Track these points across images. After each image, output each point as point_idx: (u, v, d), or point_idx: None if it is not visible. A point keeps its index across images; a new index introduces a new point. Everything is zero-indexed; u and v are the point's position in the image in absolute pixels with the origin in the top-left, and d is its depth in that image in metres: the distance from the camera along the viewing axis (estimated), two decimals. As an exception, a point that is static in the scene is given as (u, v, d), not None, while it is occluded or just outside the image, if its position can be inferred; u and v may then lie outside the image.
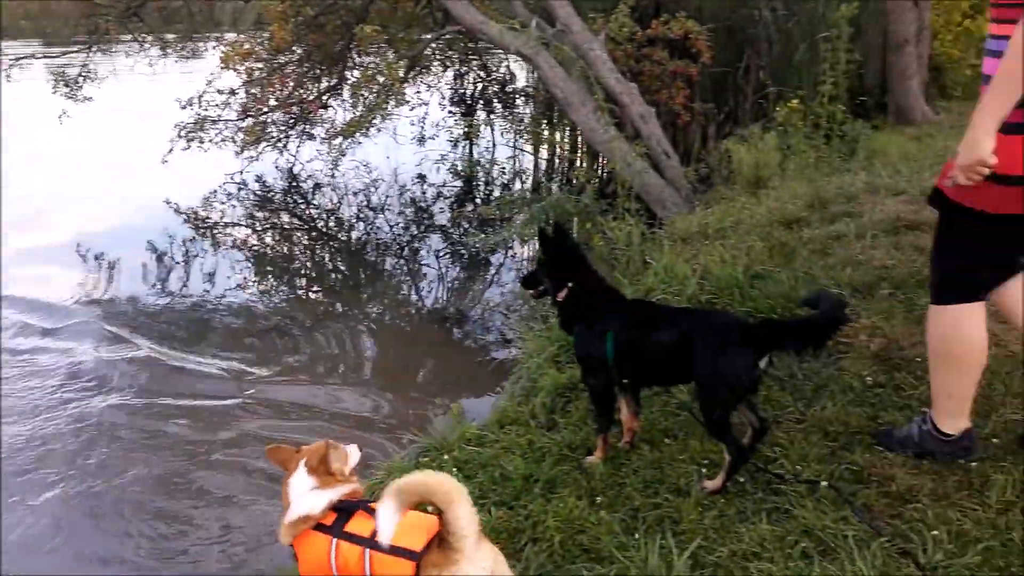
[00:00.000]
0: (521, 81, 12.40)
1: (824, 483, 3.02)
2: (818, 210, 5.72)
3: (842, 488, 3.01)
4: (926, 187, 5.71)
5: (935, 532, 2.71)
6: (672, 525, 3.00)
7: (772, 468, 3.21)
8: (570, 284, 3.42)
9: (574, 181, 6.96)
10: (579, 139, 11.18)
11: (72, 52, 9.96)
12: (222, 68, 9.73)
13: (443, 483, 2.32)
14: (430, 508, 2.46)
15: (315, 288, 7.60)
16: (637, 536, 2.96)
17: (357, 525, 2.56)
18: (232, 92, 10.15)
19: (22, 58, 9.84)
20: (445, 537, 2.34)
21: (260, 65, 9.78)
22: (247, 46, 9.73)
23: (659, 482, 3.27)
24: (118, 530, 4.26)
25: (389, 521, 2.33)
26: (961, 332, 2.94)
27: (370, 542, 2.48)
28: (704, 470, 3.27)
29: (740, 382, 3.02)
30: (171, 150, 9.79)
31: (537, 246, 3.59)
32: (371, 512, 2.51)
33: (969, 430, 3.06)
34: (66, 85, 9.62)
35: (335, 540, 2.55)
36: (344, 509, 2.62)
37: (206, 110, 10.10)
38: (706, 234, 5.71)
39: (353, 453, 2.84)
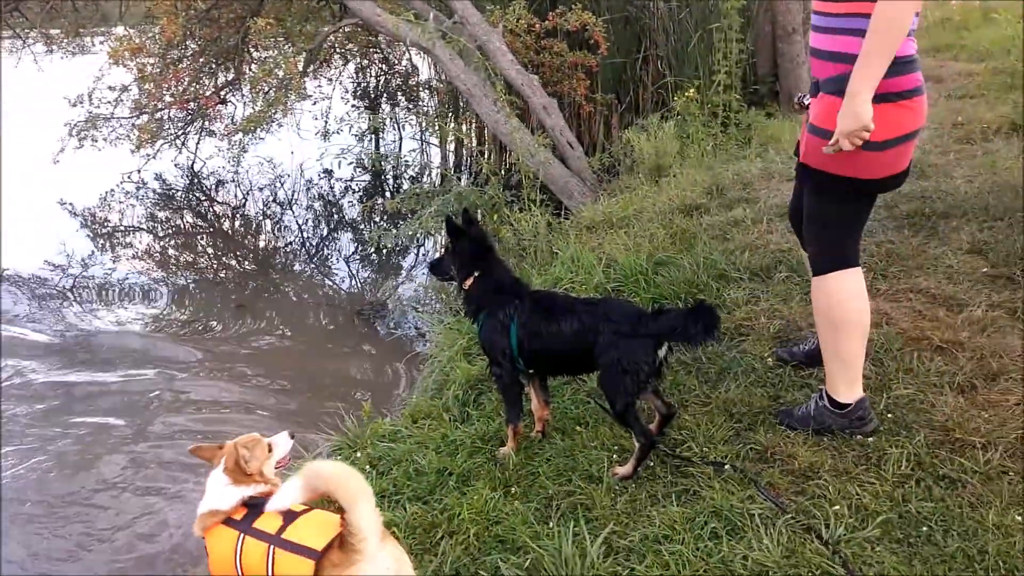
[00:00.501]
0: (424, 74, 12.33)
1: (728, 466, 3.13)
2: (716, 197, 5.89)
3: (747, 468, 3.12)
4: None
5: (836, 507, 2.84)
6: (585, 512, 3.05)
7: (680, 451, 3.30)
8: (476, 273, 3.45)
9: (476, 173, 6.99)
10: (486, 131, 11.22)
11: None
12: (111, 64, 9.32)
13: (351, 480, 2.33)
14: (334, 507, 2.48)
15: (223, 286, 7.39)
16: (551, 524, 3.00)
17: (265, 522, 2.55)
18: (124, 88, 9.75)
19: None
20: (347, 536, 2.34)
21: (152, 60, 9.40)
22: (137, 41, 9.34)
23: (572, 470, 3.32)
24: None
25: (288, 494, 2.38)
26: (846, 298, 3.10)
27: (275, 539, 2.49)
28: (615, 456, 3.34)
29: (641, 370, 3.09)
30: (63, 149, 9.34)
31: (445, 234, 3.60)
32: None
33: (863, 399, 3.22)
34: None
35: (242, 535, 2.55)
36: (256, 506, 2.61)
37: (98, 107, 9.68)
38: (611, 223, 5.81)
39: (281, 443, 2.88)
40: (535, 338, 3.30)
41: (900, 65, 2.72)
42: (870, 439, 3.18)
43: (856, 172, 2.88)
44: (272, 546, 2.48)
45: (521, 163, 6.28)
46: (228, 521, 2.62)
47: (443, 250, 3.74)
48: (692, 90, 7.61)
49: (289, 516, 2.54)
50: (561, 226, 6.21)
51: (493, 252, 3.56)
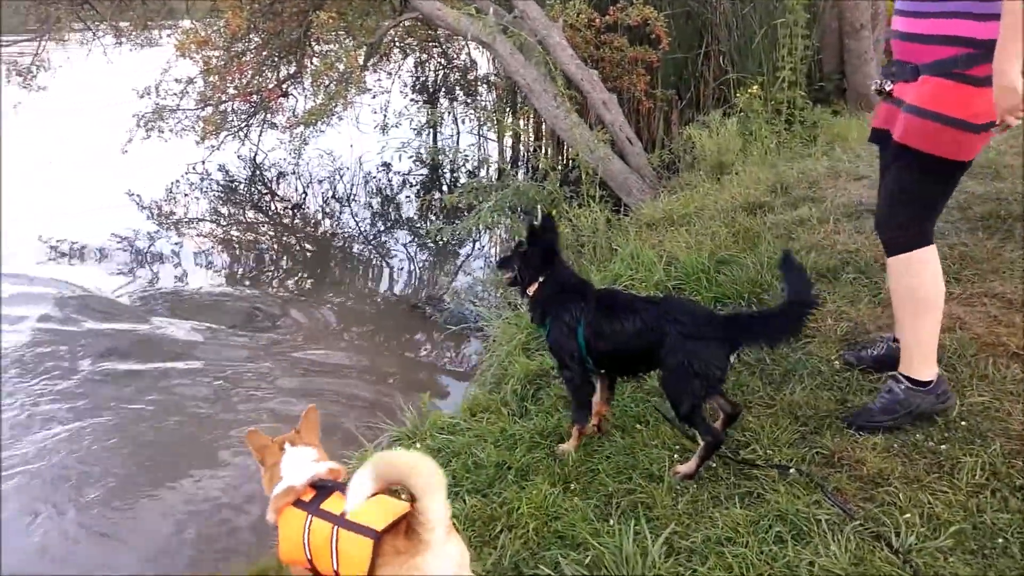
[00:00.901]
0: (483, 69, 12.35)
1: (793, 469, 3.07)
2: (781, 195, 5.77)
3: (812, 472, 3.06)
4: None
5: (907, 516, 2.76)
6: (646, 511, 3.02)
7: (743, 453, 3.25)
8: (541, 279, 3.44)
9: (535, 168, 6.97)
10: (543, 126, 11.19)
11: (23, 41, 9.69)
12: (178, 56, 9.54)
13: (427, 467, 2.30)
14: (403, 496, 2.49)
15: (282, 277, 7.50)
16: (611, 522, 2.98)
17: (332, 503, 2.59)
18: (190, 80, 9.97)
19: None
20: (414, 525, 2.33)
21: (217, 53, 9.60)
22: (203, 34, 9.54)
23: (632, 468, 3.29)
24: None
25: (361, 488, 2.31)
26: (924, 276, 3.12)
27: (339, 520, 2.51)
28: (676, 456, 3.30)
29: (712, 374, 3.05)
30: (130, 140, 9.60)
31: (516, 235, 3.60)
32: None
33: (940, 376, 3.23)
34: (19, 75, 9.36)
35: (310, 516, 2.59)
36: (324, 487, 2.67)
37: (164, 99, 9.92)
38: (671, 220, 5.74)
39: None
40: (600, 338, 3.28)
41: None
42: (943, 447, 3.09)
43: (952, 153, 2.94)
44: (336, 527, 2.51)
45: (580, 159, 6.24)
46: (298, 503, 2.67)
47: (512, 248, 3.70)
48: (756, 87, 7.48)
49: None
50: (620, 223, 6.16)
51: (559, 257, 3.52)
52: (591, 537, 2.88)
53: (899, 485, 2.93)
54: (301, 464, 2.76)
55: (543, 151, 9.44)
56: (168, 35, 10.09)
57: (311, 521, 2.59)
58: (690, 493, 3.09)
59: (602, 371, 3.43)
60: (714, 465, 3.20)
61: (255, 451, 2.86)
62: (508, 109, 10.69)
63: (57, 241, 8.49)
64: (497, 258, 3.50)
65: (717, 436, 3.14)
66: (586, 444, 3.52)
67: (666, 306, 3.23)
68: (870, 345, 3.75)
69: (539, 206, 5.97)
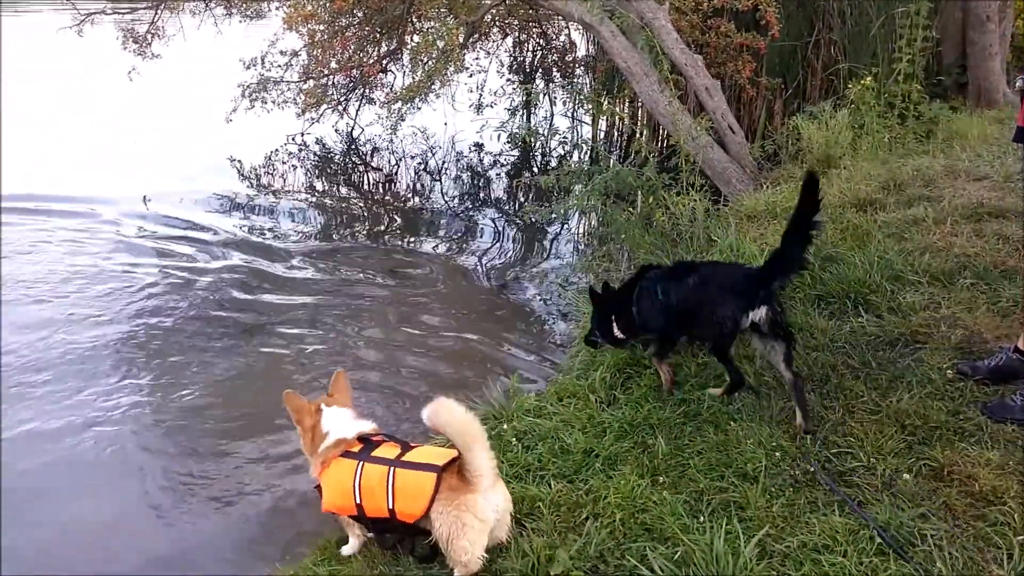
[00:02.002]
0: (581, 51, 12.21)
1: (813, 468, 2.92)
2: (893, 193, 5.50)
3: (920, 485, 2.91)
4: (1011, 172, 5.49)
5: (1021, 537, 2.60)
6: (739, 511, 2.94)
7: (844, 460, 3.12)
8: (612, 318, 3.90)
9: (633, 154, 6.83)
10: (639, 111, 11.00)
11: (141, 8, 10.04)
12: (285, 29, 9.73)
13: (469, 424, 2.67)
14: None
15: (373, 252, 7.58)
16: (701, 519, 2.91)
17: (383, 451, 2.91)
18: (294, 54, 10.17)
19: (93, 14, 9.93)
20: (464, 472, 2.69)
21: (322, 27, 9.75)
22: (309, 8, 9.69)
23: (725, 466, 3.20)
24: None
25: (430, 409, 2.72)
26: None
27: (394, 462, 2.83)
28: (777, 455, 3.18)
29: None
30: (235, 109, 9.86)
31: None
32: (397, 442, 2.98)
33: None
34: (135, 42, 9.69)
35: (361, 463, 2.88)
36: (370, 440, 2.98)
37: (269, 71, 10.14)
38: (774, 213, 5.56)
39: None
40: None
41: None
42: (1065, 469, 2.90)
43: None
44: (392, 468, 2.81)
45: (681, 146, 6.09)
46: (346, 454, 2.93)
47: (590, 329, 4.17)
48: (869, 78, 7.14)
49: (405, 447, 2.90)
50: (719, 213, 6.00)
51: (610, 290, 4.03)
52: (680, 532, 2.81)
53: (1014, 505, 2.76)
54: (345, 420, 3.05)
55: (642, 136, 9.25)
56: (277, 8, 10.29)
57: (362, 467, 2.86)
58: (786, 496, 2.98)
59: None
60: (812, 469, 3.08)
61: (292, 412, 3.08)
62: (605, 92, 10.54)
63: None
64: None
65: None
66: (676, 438, 3.45)
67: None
68: (986, 355, 3.54)
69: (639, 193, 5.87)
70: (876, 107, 7.00)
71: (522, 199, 9.40)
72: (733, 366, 3.62)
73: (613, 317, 3.90)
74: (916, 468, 3.00)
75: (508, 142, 11.41)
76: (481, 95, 11.76)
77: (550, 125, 11.92)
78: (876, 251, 4.52)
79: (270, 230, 8.24)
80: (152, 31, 9.78)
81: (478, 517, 2.70)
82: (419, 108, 10.07)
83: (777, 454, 3.19)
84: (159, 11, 9.77)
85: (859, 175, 5.87)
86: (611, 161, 9.41)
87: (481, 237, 8.07)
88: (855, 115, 6.97)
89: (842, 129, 6.61)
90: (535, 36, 12.49)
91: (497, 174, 10.62)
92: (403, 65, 10.68)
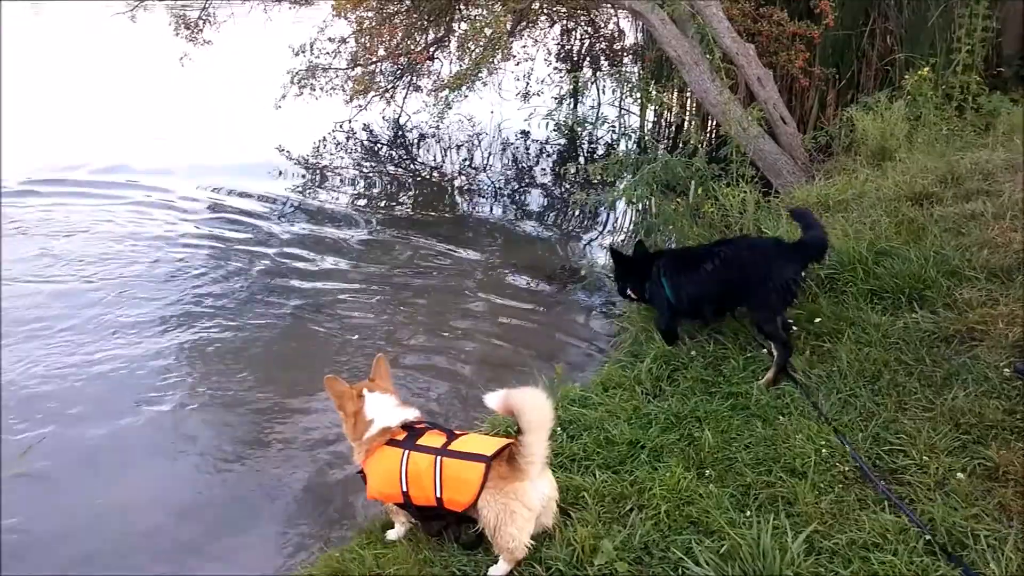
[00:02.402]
0: (630, 39, 12.09)
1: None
2: (951, 186, 5.36)
3: (974, 485, 2.85)
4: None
5: (1081, 539, 2.54)
6: (786, 506, 2.91)
7: (896, 457, 3.07)
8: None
9: (682, 144, 6.74)
10: (688, 100, 10.88)
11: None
12: (334, 16, 9.79)
13: (539, 408, 2.67)
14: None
15: (419, 239, 7.62)
16: (748, 513, 2.89)
17: (429, 439, 2.92)
18: (343, 41, 10.22)
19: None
20: (516, 456, 2.70)
21: (370, 14, 9.79)
22: (359, -5, 9.74)
23: (773, 460, 3.18)
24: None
25: (491, 401, 2.77)
26: None
27: (441, 451, 2.84)
28: (823, 451, 3.14)
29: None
30: (284, 96, 9.96)
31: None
32: (442, 430, 2.99)
33: None
34: (187, 28, 9.82)
35: (407, 452, 2.89)
36: (414, 428, 2.98)
37: (317, 58, 10.22)
38: (826, 206, 5.47)
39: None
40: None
41: None
42: None
43: None
44: (439, 456, 2.82)
45: (732, 136, 6.01)
46: (391, 442, 2.95)
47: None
48: (926, 68, 6.97)
49: (450, 436, 2.91)
50: (769, 205, 5.92)
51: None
52: (727, 526, 2.80)
53: (1075, 508, 2.69)
54: (389, 408, 3.05)
55: (691, 126, 9.16)
56: (327, -7, 10.35)
57: (408, 455, 2.87)
58: (835, 492, 2.95)
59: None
60: (856, 462, 3.04)
61: (334, 397, 3.10)
62: (653, 81, 10.44)
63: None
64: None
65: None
66: (723, 431, 3.42)
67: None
68: (1047, 355, 3.45)
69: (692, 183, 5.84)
70: (933, 98, 6.83)
71: (569, 187, 9.36)
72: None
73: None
74: (971, 467, 2.94)
75: (554, 130, 11.36)
76: (528, 83, 11.74)
77: (597, 114, 11.84)
78: (932, 246, 4.43)
79: (321, 215, 8.33)
80: (204, 17, 9.90)
81: (526, 505, 2.71)
82: (466, 96, 10.07)
83: (825, 450, 3.15)
84: (211, -3, 9.90)
85: (915, 168, 5.73)
86: (659, 151, 9.32)
87: (529, 227, 8.06)
88: (911, 106, 6.81)
89: (898, 121, 6.46)
90: (583, 24, 12.39)
91: (543, 165, 10.59)
92: (450, 53, 10.69)
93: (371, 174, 10.22)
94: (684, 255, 4.48)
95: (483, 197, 9.22)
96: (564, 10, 11.65)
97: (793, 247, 4.01)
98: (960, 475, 2.88)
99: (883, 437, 3.19)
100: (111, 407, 4.71)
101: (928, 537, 2.64)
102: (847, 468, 3.08)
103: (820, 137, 7.25)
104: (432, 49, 10.63)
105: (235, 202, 8.53)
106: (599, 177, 6.59)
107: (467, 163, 10.70)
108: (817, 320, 4.11)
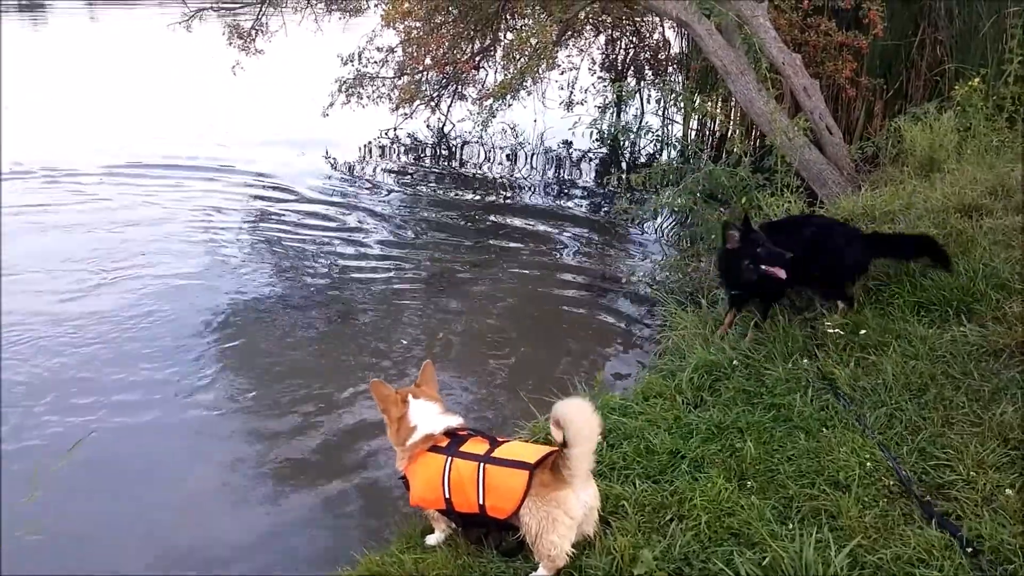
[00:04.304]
0: (675, 49, 12.08)
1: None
2: (1002, 199, 5.27)
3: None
4: None
5: None
6: (829, 519, 2.89)
7: (942, 472, 3.03)
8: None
9: (725, 154, 6.71)
10: (732, 110, 10.82)
11: (247, 5, 10.39)
12: (383, 26, 9.94)
13: (588, 420, 2.64)
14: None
15: (460, 246, 7.69)
16: (790, 526, 2.87)
17: (472, 446, 2.92)
18: (391, 50, 10.37)
19: (201, 10, 10.33)
20: (560, 466, 2.69)
21: (418, 24, 9.91)
22: (407, 5, 9.86)
23: (816, 473, 3.15)
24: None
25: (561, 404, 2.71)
26: None
27: (485, 458, 2.85)
28: (870, 463, 3.11)
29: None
30: (331, 104, 10.13)
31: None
32: (485, 436, 2.99)
33: None
34: (239, 38, 10.04)
35: (450, 459, 2.90)
36: (457, 435, 2.99)
37: (365, 67, 10.38)
38: (872, 216, 5.40)
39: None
40: None
41: None
42: None
43: None
44: (483, 463, 2.82)
45: (777, 146, 5.97)
46: (433, 448, 2.96)
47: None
48: (977, 79, 6.85)
49: (493, 443, 2.91)
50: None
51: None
52: (768, 538, 2.78)
53: None
54: (433, 415, 3.06)
55: (736, 136, 9.11)
56: (375, 5, 10.50)
57: (451, 462, 2.88)
58: (879, 507, 2.92)
59: None
60: (900, 474, 3.00)
61: (379, 401, 3.13)
62: (697, 91, 10.41)
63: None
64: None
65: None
66: (765, 443, 3.40)
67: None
68: (1100, 371, 3.38)
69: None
70: (984, 109, 6.71)
71: (611, 196, 9.37)
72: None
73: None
74: (1019, 483, 2.89)
75: (597, 139, 11.38)
76: (572, 92, 11.78)
77: (640, 123, 11.84)
78: (981, 258, 4.36)
79: (368, 219, 8.49)
80: (256, 27, 10.11)
81: (568, 514, 2.72)
82: (510, 105, 10.15)
83: (870, 463, 3.12)
84: (263, 7, 10.10)
85: (964, 179, 5.64)
86: (702, 160, 9.29)
87: (569, 235, 8.09)
88: (961, 117, 6.70)
89: (947, 132, 6.36)
90: (628, 34, 12.41)
91: (586, 173, 10.62)
92: (495, 62, 10.78)
93: (416, 181, 10.34)
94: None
95: (524, 204, 9.27)
96: (609, 20, 11.70)
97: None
98: (1008, 491, 2.83)
99: (929, 451, 3.14)
100: (153, 404, 4.88)
101: (970, 550, 2.61)
102: (892, 482, 3.05)
103: (867, 147, 7.17)
104: (478, 58, 10.73)
105: (284, 204, 8.83)
106: (641, 186, 6.58)
107: (509, 171, 10.76)
108: (863, 332, 4.07)
